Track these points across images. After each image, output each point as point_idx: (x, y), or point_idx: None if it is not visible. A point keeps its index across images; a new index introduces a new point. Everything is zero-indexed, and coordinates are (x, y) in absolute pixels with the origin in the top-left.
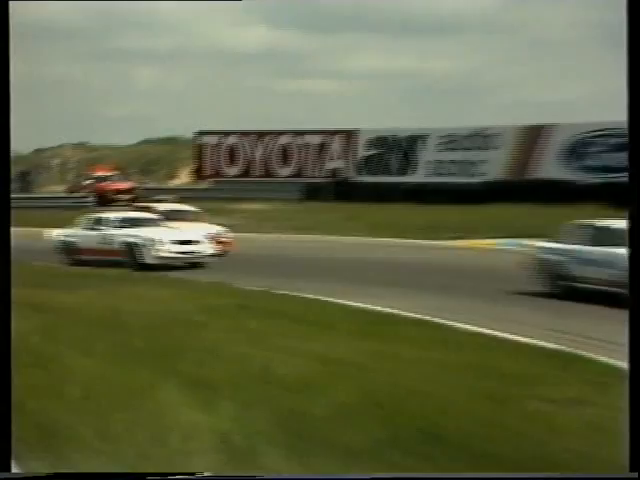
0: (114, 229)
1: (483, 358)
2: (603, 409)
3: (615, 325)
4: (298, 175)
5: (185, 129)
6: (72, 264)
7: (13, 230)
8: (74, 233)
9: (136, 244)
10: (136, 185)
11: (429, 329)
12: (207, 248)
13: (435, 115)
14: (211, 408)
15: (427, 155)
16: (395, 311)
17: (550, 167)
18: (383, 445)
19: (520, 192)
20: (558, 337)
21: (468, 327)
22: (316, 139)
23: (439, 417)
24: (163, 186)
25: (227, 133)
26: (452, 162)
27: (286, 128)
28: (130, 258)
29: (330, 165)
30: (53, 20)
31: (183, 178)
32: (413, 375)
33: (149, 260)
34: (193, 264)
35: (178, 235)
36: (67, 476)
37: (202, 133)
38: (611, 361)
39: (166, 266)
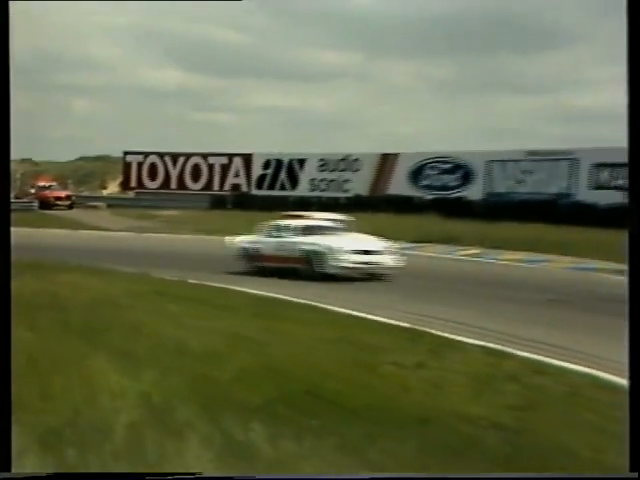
0: (296, 237)
1: (350, 332)
2: (439, 371)
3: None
4: (206, 189)
5: (114, 150)
6: (254, 270)
7: None
8: (257, 240)
9: (316, 252)
10: (72, 193)
11: (311, 311)
12: (388, 259)
13: (314, 143)
14: (135, 374)
15: (307, 174)
16: (283, 297)
17: (400, 186)
18: (275, 402)
19: (378, 204)
20: (409, 318)
21: (341, 310)
22: (220, 160)
23: (318, 379)
24: (96, 194)
25: (148, 154)
26: (326, 180)
27: (196, 151)
28: (309, 266)
29: (232, 181)
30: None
31: (112, 189)
32: (298, 347)
33: (330, 270)
34: (372, 275)
35: (360, 245)
36: (67, 476)
37: (128, 153)
38: (443, 334)
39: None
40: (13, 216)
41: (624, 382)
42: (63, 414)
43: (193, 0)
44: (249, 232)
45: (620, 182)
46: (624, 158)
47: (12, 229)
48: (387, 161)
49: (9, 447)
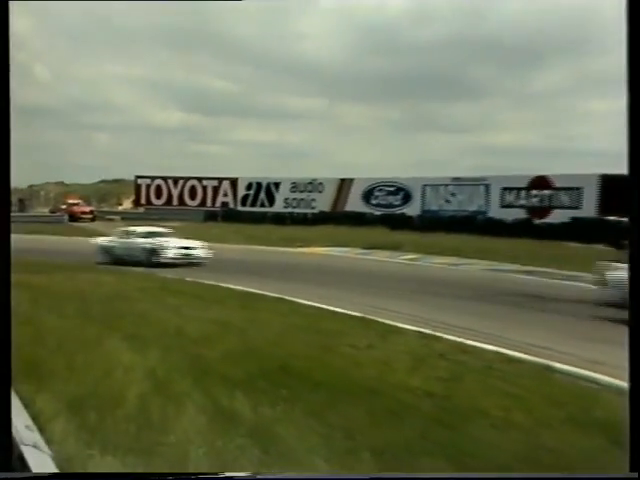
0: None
1: (315, 321)
2: (384, 351)
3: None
4: (201, 205)
5: (128, 174)
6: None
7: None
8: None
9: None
10: (94, 209)
11: (283, 303)
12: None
13: (287, 170)
14: (142, 353)
15: (282, 195)
16: (262, 291)
17: (355, 204)
18: (253, 376)
19: (338, 219)
20: (361, 308)
21: (308, 302)
22: (212, 183)
23: (289, 358)
24: (113, 210)
25: (155, 177)
26: (297, 199)
27: (193, 175)
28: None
29: (221, 200)
30: (39, 102)
31: (126, 205)
32: (272, 333)
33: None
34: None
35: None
36: (67, 476)
37: (139, 177)
38: (389, 322)
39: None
40: (48, 227)
41: (523, 356)
42: (85, 384)
43: (193, 0)
44: (234, 239)
45: (523, 202)
46: (526, 183)
47: (45, 237)
48: (345, 185)
49: (9, 447)
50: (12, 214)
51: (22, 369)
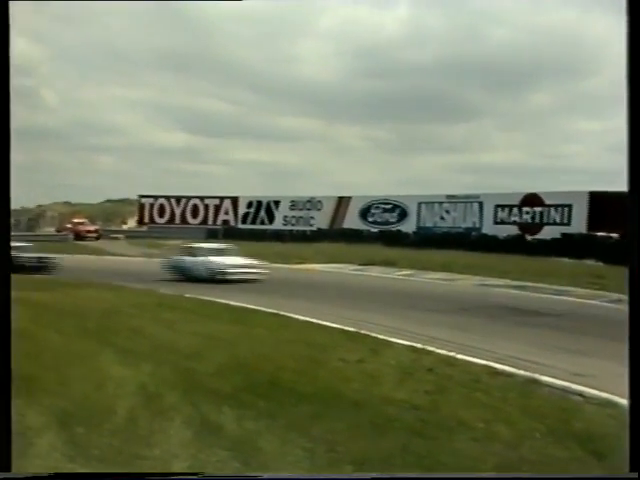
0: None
1: (307, 335)
2: (374, 364)
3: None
4: (203, 223)
5: (132, 194)
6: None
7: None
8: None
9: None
10: (99, 227)
11: (275, 317)
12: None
13: (286, 189)
14: (134, 367)
15: (281, 212)
16: (254, 306)
17: (352, 221)
18: (241, 390)
19: (335, 236)
20: (353, 323)
21: (299, 317)
22: (213, 202)
23: (278, 372)
24: (118, 228)
25: (158, 197)
26: (296, 217)
27: (195, 195)
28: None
29: (223, 218)
30: (47, 125)
31: (130, 224)
32: (264, 347)
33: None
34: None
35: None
36: (67, 476)
37: (142, 196)
38: (380, 336)
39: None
40: (54, 245)
41: (511, 369)
42: (75, 397)
43: (193, 0)
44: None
45: (515, 219)
46: (518, 201)
47: (52, 255)
48: (343, 202)
49: (9, 447)
50: (22, 233)
51: (15, 384)
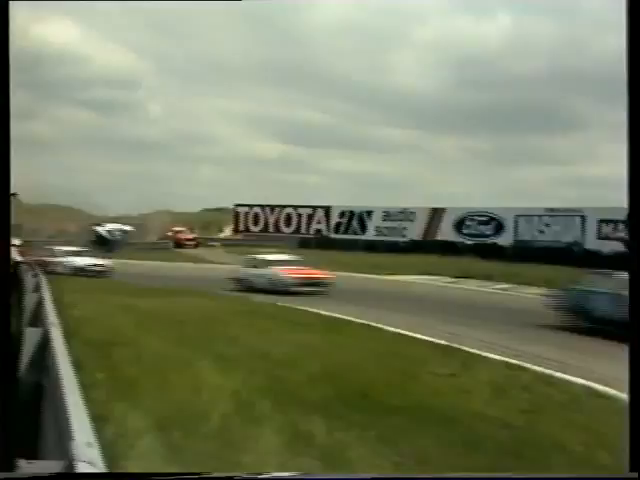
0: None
1: (398, 347)
2: (466, 379)
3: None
4: (296, 232)
5: (228, 202)
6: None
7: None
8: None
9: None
10: (197, 236)
11: (366, 328)
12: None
13: (379, 199)
14: (229, 374)
15: (374, 223)
16: (348, 317)
17: (446, 233)
18: (332, 400)
19: (428, 247)
20: (445, 336)
21: (390, 328)
22: (307, 211)
23: (368, 384)
24: (214, 236)
25: (252, 205)
26: (388, 228)
27: (289, 204)
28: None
29: (315, 227)
30: (151, 136)
31: (226, 232)
32: (354, 357)
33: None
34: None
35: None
36: (67, 476)
37: (238, 205)
38: (473, 351)
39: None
40: (156, 253)
41: (614, 392)
42: (173, 402)
43: (199, 0)
44: (328, 266)
45: (621, 234)
46: (624, 215)
47: (151, 263)
48: (437, 214)
49: (9, 447)
50: (129, 241)
51: (119, 388)
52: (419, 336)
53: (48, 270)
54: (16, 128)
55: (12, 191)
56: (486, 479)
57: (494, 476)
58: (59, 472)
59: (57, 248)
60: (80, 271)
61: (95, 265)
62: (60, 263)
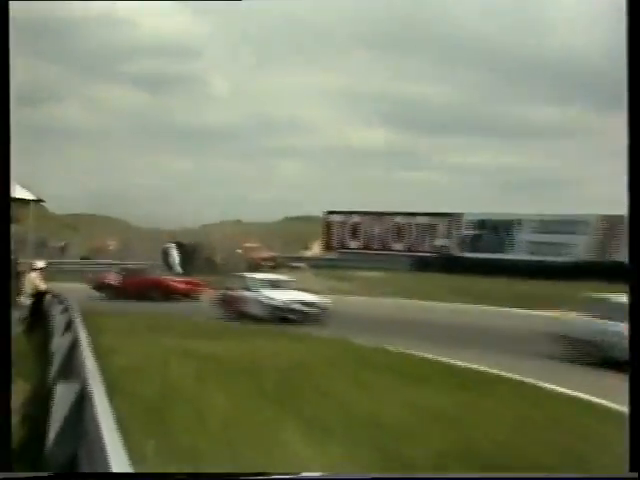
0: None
1: (561, 412)
2: None
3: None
4: (409, 250)
5: (316, 209)
6: None
7: None
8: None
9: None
10: (276, 254)
11: (512, 385)
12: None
13: (531, 203)
14: (321, 445)
15: (523, 237)
16: (482, 367)
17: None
18: None
19: (607, 272)
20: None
21: (546, 385)
22: (425, 220)
23: (522, 469)
24: (299, 255)
25: (351, 213)
26: (546, 244)
27: (399, 211)
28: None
29: (437, 242)
30: (215, 122)
31: (315, 249)
32: (501, 428)
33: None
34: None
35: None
36: (67, 476)
37: (331, 212)
38: None
39: None
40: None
41: None
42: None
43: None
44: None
45: None
46: None
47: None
48: (618, 223)
49: (9, 447)
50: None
51: (176, 456)
52: (599, 400)
53: (237, 310)
54: (40, 112)
55: (34, 197)
56: (486, 479)
57: (494, 476)
58: (59, 472)
59: (248, 276)
60: (284, 313)
61: (306, 304)
62: (254, 300)
